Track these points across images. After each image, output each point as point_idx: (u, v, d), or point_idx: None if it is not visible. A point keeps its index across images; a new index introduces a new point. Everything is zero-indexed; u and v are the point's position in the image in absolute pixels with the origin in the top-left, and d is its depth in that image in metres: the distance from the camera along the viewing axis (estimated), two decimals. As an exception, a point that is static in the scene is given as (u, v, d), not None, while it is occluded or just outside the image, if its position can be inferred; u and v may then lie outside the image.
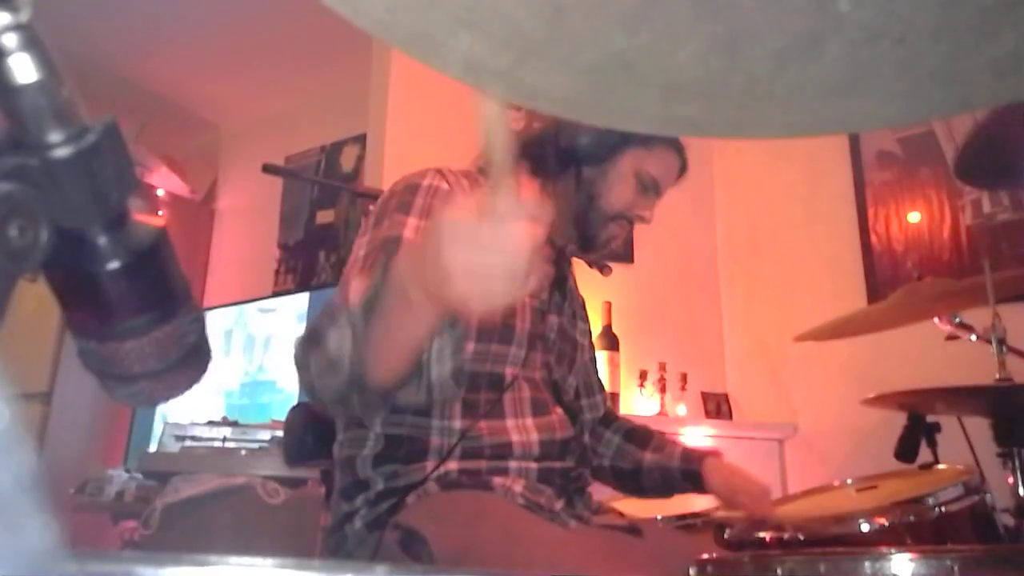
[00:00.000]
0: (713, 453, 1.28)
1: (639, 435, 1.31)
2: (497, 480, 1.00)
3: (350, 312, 0.78)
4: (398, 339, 0.75)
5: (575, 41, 0.35)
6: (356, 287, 0.82)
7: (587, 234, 1.14)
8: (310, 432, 1.33)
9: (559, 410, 1.09)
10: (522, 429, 1.04)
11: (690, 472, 1.24)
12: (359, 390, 0.80)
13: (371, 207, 1.11)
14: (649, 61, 0.36)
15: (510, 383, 1.05)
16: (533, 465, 1.03)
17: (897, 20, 0.34)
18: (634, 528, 1.07)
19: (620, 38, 0.35)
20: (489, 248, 0.58)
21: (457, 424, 1.01)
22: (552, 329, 1.14)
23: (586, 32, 0.35)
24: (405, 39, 0.35)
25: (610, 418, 1.35)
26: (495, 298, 0.60)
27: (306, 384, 0.85)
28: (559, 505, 1.04)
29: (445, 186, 1.05)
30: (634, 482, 1.29)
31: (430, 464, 1.00)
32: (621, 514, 1.12)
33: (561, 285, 1.19)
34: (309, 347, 0.82)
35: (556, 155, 1.13)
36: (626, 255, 2.74)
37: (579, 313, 1.26)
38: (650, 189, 1.15)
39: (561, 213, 1.12)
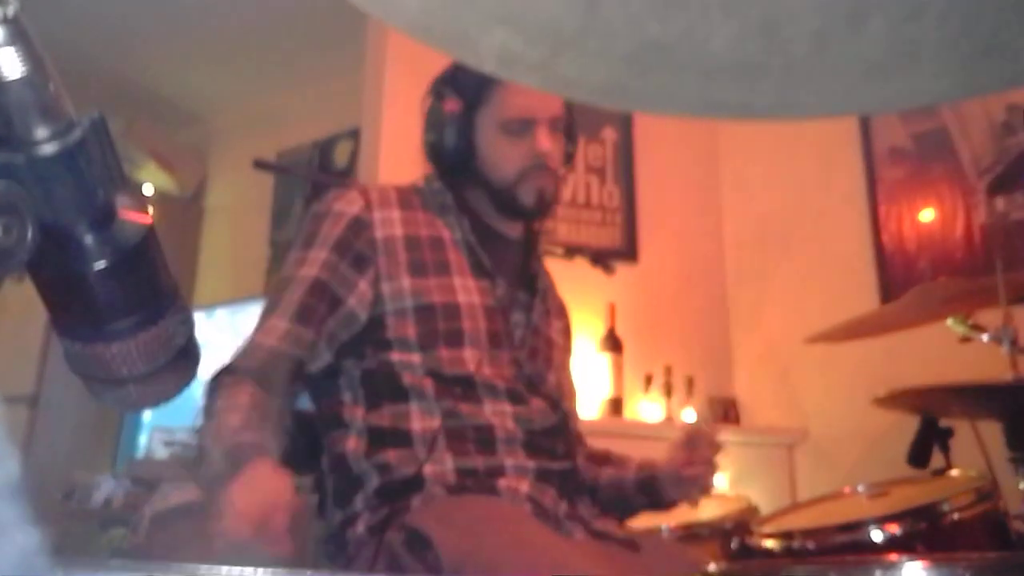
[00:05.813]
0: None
1: (598, 456, 1.27)
2: (502, 483, 1.00)
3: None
4: None
5: (609, 30, 0.36)
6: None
7: (514, 208, 1.12)
8: (300, 440, 1.32)
9: (537, 400, 1.09)
10: (500, 414, 1.04)
11: (644, 480, 1.18)
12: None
13: None
14: (685, 46, 0.36)
15: (477, 374, 1.04)
16: (531, 464, 1.03)
17: None
18: (631, 542, 1.05)
19: (654, 25, 0.36)
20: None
21: (435, 407, 1.02)
22: (518, 326, 1.13)
23: (620, 20, 0.36)
24: (440, 38, 0.37)
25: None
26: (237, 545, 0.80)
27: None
28: (563, 508, 1.04)
29: (353, 210, 1.07)
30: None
31: (419, 451, 1.00)
32: (621, 523, 1.11)
33: (530, 283, 1.17)
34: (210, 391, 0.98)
35: (451, 172, 1.13)
36: (630, 254, 2.73)
37: (555, 312, 1.24)
38: (524, 128, 1.09)
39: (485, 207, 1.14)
